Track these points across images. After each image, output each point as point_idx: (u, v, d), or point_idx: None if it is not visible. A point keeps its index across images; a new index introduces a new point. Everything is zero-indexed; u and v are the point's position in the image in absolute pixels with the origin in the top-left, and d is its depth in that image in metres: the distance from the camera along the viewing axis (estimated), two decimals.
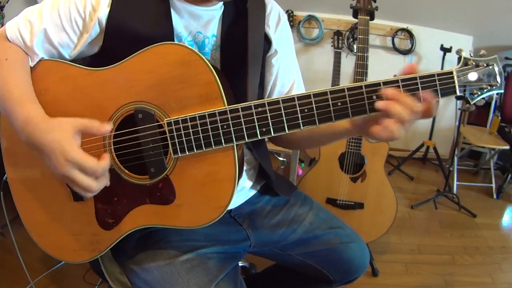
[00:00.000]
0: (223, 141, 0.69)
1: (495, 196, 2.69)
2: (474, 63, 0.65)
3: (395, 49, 2.96)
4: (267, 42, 0.89)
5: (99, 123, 0.68)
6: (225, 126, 0.68)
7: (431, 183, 2.86)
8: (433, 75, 0.63)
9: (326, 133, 0.84)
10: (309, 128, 0.80)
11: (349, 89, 0.64)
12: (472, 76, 0.65)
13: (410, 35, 2.92)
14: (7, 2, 2.16)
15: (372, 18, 1.66)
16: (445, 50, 2.72)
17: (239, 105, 0.68)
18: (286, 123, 0.67)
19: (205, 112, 0.68)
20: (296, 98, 0.66)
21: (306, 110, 0.66)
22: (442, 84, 0.64)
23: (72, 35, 0.76)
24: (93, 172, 0.65)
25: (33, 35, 0.75)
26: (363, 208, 1.77)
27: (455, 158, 2.67)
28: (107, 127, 0.69)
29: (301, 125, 0.67)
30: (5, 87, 0.71)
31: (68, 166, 0.64)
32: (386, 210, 1.76)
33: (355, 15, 1.67)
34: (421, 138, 3.00)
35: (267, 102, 0.67)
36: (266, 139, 1.00)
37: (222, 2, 0.82)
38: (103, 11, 0.75)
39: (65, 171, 0.64)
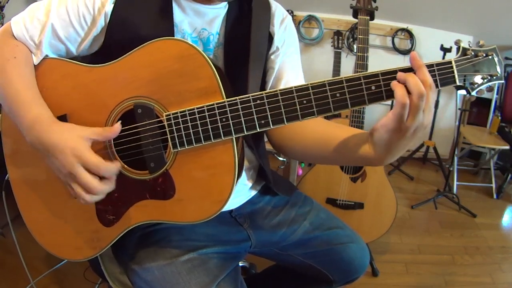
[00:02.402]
0: (222, 134, 0.69)
1: (495, 196, 2.70)
2: (473, 53, 0.66)
3: (395, 49, 2.96)
4: (270, 40, 0.89)
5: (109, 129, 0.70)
6: (223, 119, 0.68)
7: (431, 183, 2.86)
8: (432, 65, 0.64)
9: (341, 152, 0.78)
10: (321, 143, 0.79)
11: (347, 80, 0.64)
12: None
13: (410, 35, 2.92)
14: (7, 2, 2.16)
15: (372, 18, 1.66)
16: (445, 50, 2.72)
17: (237, 98, 0.68)
18: (285, 115, 0.67)
19: (203, 106, 0.68)
20: (294, 90, 0.66)
21: (304, 102, 0.66)
22: (441, 74, 0.64)
23: (80, 30, 0.77)
24: (96, 169, 0.66)
25: (41, 31, 0.75)
26: (363, 208, 1.77)
27: (455, 158, 2.67)
28: (117, 128, 0.70)
29: (300, 116, 0.67)
30: (14, 86, 0.72)
31: (74, 162, 0.65)
32: (386, 210, 1.76)
33: (355, 15, 1.67)
34: (421, 138, 3.00)
35: (266, 95, 0.67)
36: (266, 139, 1.00)
37: (226, 2, 0.82)
38: (109, 6, 0.75)
39: (70, 167, 0.65)
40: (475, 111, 3.05)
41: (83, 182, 0.65)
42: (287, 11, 2.88)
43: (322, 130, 0.82)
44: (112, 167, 0.68)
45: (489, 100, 2.91)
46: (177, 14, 0.79)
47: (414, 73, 0.62)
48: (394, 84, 0.62)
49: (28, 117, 0.69)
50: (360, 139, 0.73)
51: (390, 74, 0.64)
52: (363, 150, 0.72)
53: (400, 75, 0.63)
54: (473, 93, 0.67)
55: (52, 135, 0.67)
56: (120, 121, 0.72)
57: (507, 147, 2.54)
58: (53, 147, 0.66)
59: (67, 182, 0.68)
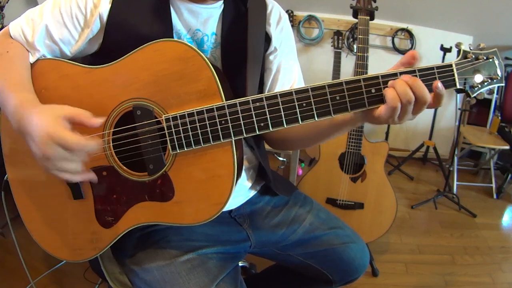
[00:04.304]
0: (221, 136, 0.69)
1: (495, 196, 2.69)
2: (473, 56, 0.65)
3: (395, 49, 2.96)
4: (267, 40, 0.89)
5: (91, 114, 0.66)
6: (223, 122, 0.68)
7: (431, 183, 2.86)
8: (432, 68, 0.64)
9: (326, 128, 0.81)
10: (308, 126, 0.77)
11: (347, 82, 0.64)
12: (478, 78, 0.65)
13: (410, 35, 2.92)
14: (7, 2, 2.16)
15: (372, 18, 1.66)
16: (445, 50, 2.72)
17: (237, 100, 0.67)
18: (284, 117, 0.67)
19: (203, 108, 0.68)
20: (294, 93, 0.66)
21: (304, 105, 0.66)
22: (441, 77, 0.64)
23: (73, 31, 0.78)
24: (75, 148, 0.63)
25: (35, 31, 0.76)
26: (363, 208, 1.77)
27: (455, 158, 2.67)
28: (99, 120, 0.67)
29: (300, 119, 0.66)
30: (3, 77, 0.72)
31: (49, 143, 0.62)
32: (386, 210, 1.76)
33: (355, 15, 1.67)
34: (421, 138, 3.00)
35: (265, 97, 0.67)
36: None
37: (221, 1, 0.82)
38: (105, 7, 0.76)
39: (45, 149, 0.62)
40: (475, 111, 3.05)
41: (57, 157, 0.63)
42: (287, 11, 2.86)
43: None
44: (93, 144, 0.65)
45: (489, 100, 2.91)
46: (172, 15, 0.79)
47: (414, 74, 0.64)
48: (386, 90, 0.63)
49: (13, 102, 0.69)
50: (349, 117, 0.75)
51: (391, 77, 0.64)
52: (350, 124, 0.75)
53: (390, 83, 0.63)
54: (473, 96, 0.66)
55: (30, 118, 0.65)
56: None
57: (507, 147, 2.53)
58: (30, 131, 0.64)
59: (49, 168, 0.66)
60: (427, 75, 0.63)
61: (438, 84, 0.63)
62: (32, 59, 0.77)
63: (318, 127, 0.82)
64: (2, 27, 0.95)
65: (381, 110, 0.64)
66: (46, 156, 0.63)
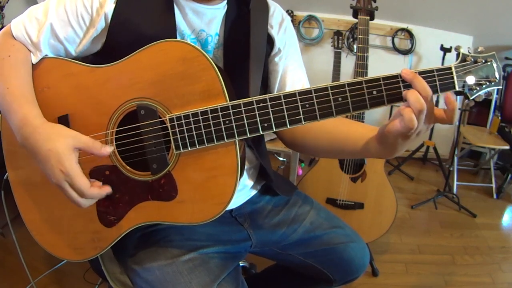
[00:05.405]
0: (225, 136, 0.69)
1: (495, 196, 2.70)
2: (472, 59, 0.66)
3: (395, 49, 2.96)
4: (270, 42, 0.89)
5: (100, 144, 0.70)
6: (227, 122, 0.68)
7: (431, 183, 2.86)
8: (432, 71, 0.64)
9: (351, 149, 0.81)
10: (333, 141, 0.80)
11: (349, 84, 0.65)
12: (470, 79, 0.66)
13: (410, 35, 2.92)
14: (7, 2, 2.16)
15: (372, 18, 1.67)
16: (445, 50, 2.72)
17: (241, 101, 0.68)
18: (288, 118, 0.67)
19: (207, 108, 0.69)
20: (297, 94, 0.67)
21: (307, 106, 0.66)
22: (441, 79, 0.65)
23: (78, 30, 0.77)
24: (81, 193, 0.68)
25: (40, 31, 0.75)
26: (363, 208, 1.77)
27: (455, 158, 2.67)
28: (108, 149, 0.71)
29: (303, 120, 0.67)
30: (5, 84, 0.72)
31: (61, 178, 0.66)
32: (386, 210, 1.76)
33: (355, 15, 1.68)
34: (421, 138, 3.00)
35: (269, 98, 0.67)
36: (266, 139, 1.00)
37: (225, 1, 0.82)
38: (109, 6, 0.76)
39: (57, 181, 0.67)
40: (475, 111, 3.06)
41: (69, 197, 0.68)
42: (287, 11, 2.87)
43: (332, 128, 0.83)
44: (97, 193, 0.70)
45: (489, 100, 2.91)
46: (176, 15, 0.79)
47: (398, 82, 0.64)
48: (402, 109, 0.63)
49: (18, 116, 0.69)
50: (369, 138, 0.75)
51: (392, 79, 0.65)
52: (371, 149, 0.74)
53: (403, 93, 0.64)
54: (472, 98, 0.68)
55: (38, 140, 0.67)
56: (113, 145, 0.74)
57: (507, 147, 2.54)
58: (39, 153, 0.67)
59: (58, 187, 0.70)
60: (427, 77, 0.64)
61: (451, 96, 0.63)
62: (34, 59, 0.76)
63: (343, 145, 0.83)
64: (2, 27, 0.95)
65: (396, 126, 0.64)
66: (57, 184, 0.68)
